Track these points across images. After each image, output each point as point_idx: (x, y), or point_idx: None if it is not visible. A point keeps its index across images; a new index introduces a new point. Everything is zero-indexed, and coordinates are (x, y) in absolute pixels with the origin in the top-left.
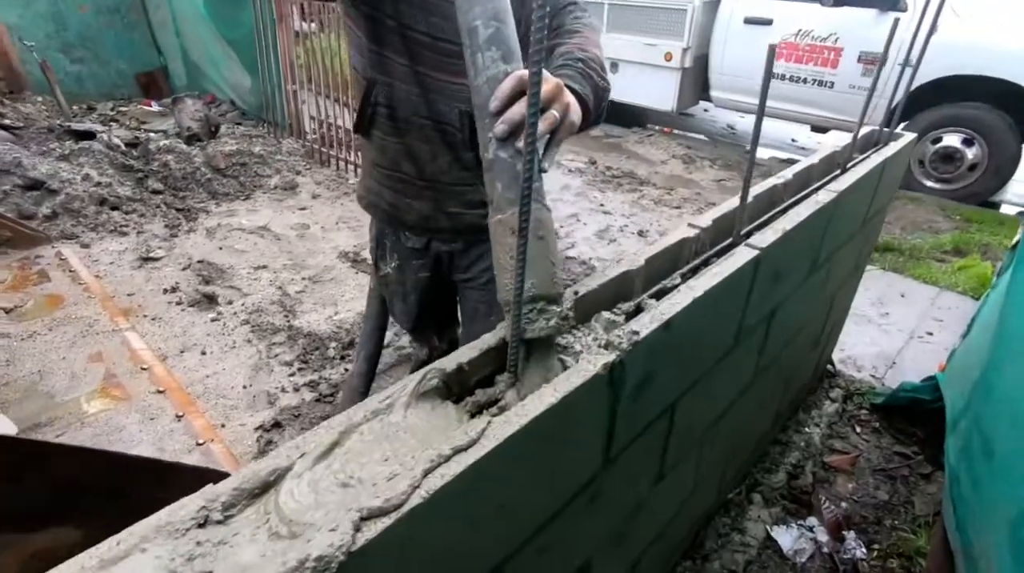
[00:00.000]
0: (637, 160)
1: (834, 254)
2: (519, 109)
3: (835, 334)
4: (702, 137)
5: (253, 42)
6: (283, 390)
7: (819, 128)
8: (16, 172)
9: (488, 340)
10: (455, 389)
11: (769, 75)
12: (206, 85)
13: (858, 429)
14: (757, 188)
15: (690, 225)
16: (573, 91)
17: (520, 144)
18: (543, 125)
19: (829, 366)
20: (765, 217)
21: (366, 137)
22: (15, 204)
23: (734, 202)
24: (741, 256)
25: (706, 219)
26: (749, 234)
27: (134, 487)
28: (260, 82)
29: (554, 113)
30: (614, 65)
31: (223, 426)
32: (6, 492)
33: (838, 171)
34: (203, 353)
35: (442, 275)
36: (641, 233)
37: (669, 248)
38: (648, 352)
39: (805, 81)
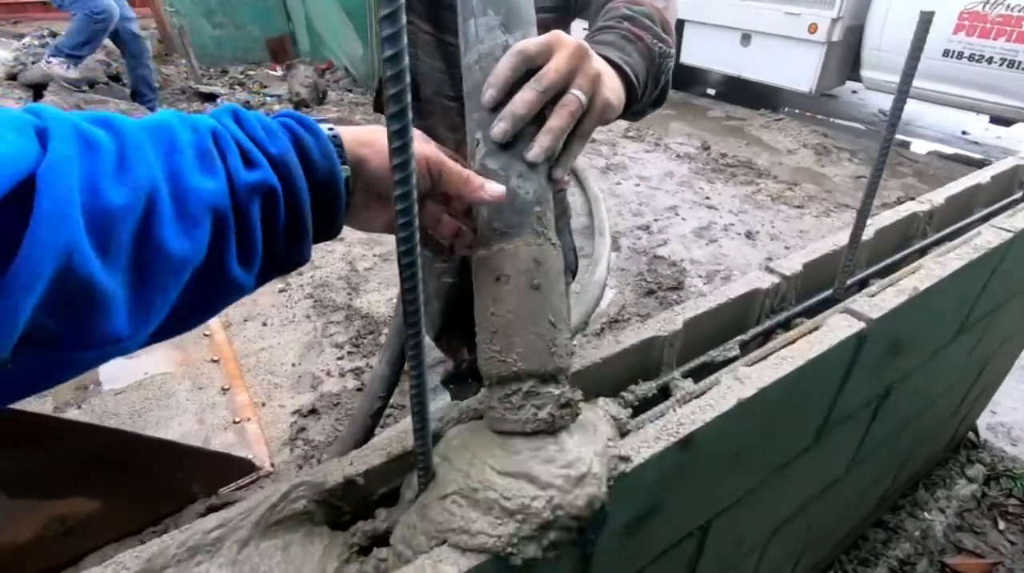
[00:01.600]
0: (759, 147)
1: (996, 310)
2: (525, 98)
3: (985, 397)
4: (845, 123)
5: (367, 11)
6: (328, 374)
7: (1001, 119)
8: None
9: (402, 438)
10: (348, 507)
11: (919, 49)
12: (325, 52)
13: (1002, 524)
14: (885, 217)
15: (768, 269)
16: (609, 61)
17: (528, 153)
18: (558, 118)
19: (971, 434)
20: (891, 260)
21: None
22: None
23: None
24: (836, 329)
25: (794, 263)
26: (860, 286)
27: (154, 465)
28: (370, 51)
29: (577, 95)
30: (745, 37)
31: (263, 405)
32: (31, 462)
33: (1019, 195)
34: (264, 324)
35: (469, 282)
36: (749, 235)
37: (727, 304)
38: (651, 481)
39: (990, 61)
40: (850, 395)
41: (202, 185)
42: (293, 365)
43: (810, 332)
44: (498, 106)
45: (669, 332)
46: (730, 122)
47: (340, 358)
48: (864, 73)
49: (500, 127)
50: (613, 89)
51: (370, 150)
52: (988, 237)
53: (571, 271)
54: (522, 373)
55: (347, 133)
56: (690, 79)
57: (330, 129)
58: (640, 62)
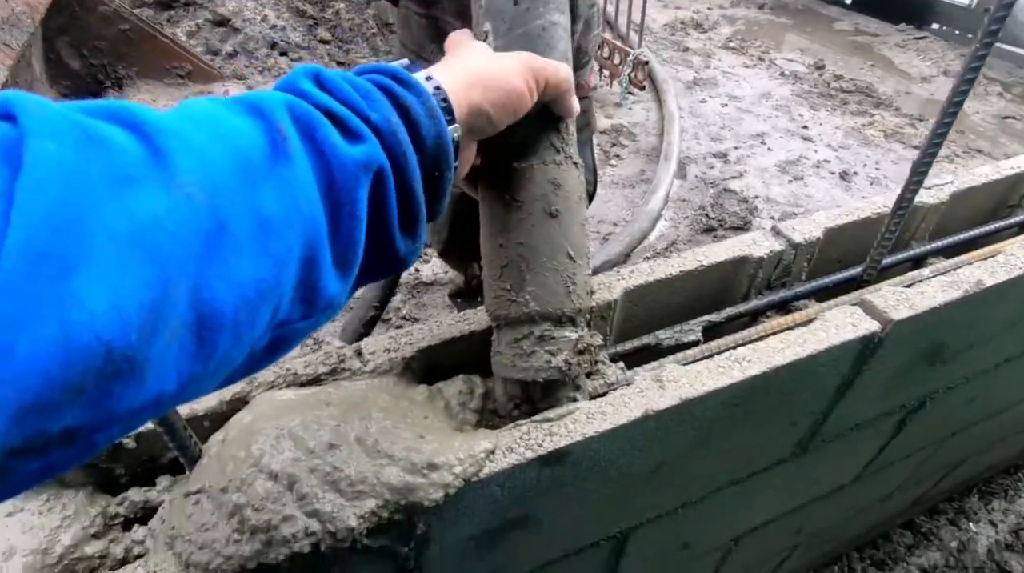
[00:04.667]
0: (886, 71)
1: None
2: None
3: None
4: (1009, 48)
5: None
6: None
7: None
8: (208, 6)
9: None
10: (121, 469)
11: None
12: None
13: None
14: (976, 175)
15: (775, 230)
16: None
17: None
18: None
19: None
20: (968, 235)
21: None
22: (204, 39)
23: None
24: (832, 327)
25: (812, 226)
26: (915, 265)
27: None
28: None
29: None
30: None
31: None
32: None
33: None
34: None
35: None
36: (844, 175)
37: (695, 272)
38: (508, 497)
39: None
40: (855, 407)
41: (281, 196)
42: None
43: (799, 324)
44: None
45: (600, 301)
46: (858, 37)
47: None
48: None
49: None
50: None
51: (480, 89)
52: None
53: (587, 191)
54: (535, 315)
55: (450, 74)
56: None
57: (427, 79)
58: None
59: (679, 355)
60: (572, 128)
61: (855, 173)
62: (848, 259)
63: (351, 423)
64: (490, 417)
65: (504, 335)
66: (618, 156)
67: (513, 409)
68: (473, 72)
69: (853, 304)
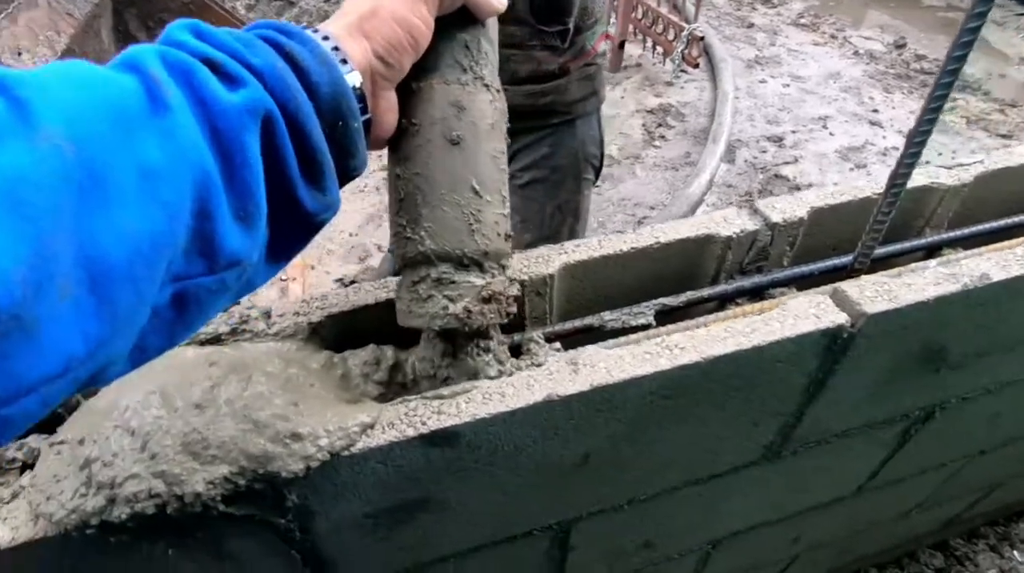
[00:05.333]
0: (978, 51)
1: None
2: None
3: None
4: None
5: None
6: (379, 248)
7: None
8: None
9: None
10: None
11: None
12: None
13: None
14: (1014, 155)
15: (752, 209)
16: None
17: None
18: None
19: None
20: (998, 224)
21: None
22: (262, 12)
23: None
24: (789, 317)
25: (796, 206)
26: (928, 254)
27: None
28: None
29: None
30: None
31: (312, 268)
32: None
33: None
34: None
35: None
36: None
37: (649, 249)
38: (396, 477)
39: None
40: (834, 411)
41: (164, 145)
42: (350, 234)
43: (757, 313)
44: None
45: (535, 275)
46: (949, 13)
47: None
48: None
49: None
50: None
51: (367, 31)
52: None
53: (592, 167)
54: (431, 254)
55: (335, 26)
56: None
57: (315, 31)
58: None
59: (604, 345)
60: (487, 46)
61: (926, 162)
62: (844, 246)
63: (228, 385)
64: (398, 390)
65: (405, 277)
66: (663, 137)
67: (425, 380)
68: (357, 17)
69: (824, 294)
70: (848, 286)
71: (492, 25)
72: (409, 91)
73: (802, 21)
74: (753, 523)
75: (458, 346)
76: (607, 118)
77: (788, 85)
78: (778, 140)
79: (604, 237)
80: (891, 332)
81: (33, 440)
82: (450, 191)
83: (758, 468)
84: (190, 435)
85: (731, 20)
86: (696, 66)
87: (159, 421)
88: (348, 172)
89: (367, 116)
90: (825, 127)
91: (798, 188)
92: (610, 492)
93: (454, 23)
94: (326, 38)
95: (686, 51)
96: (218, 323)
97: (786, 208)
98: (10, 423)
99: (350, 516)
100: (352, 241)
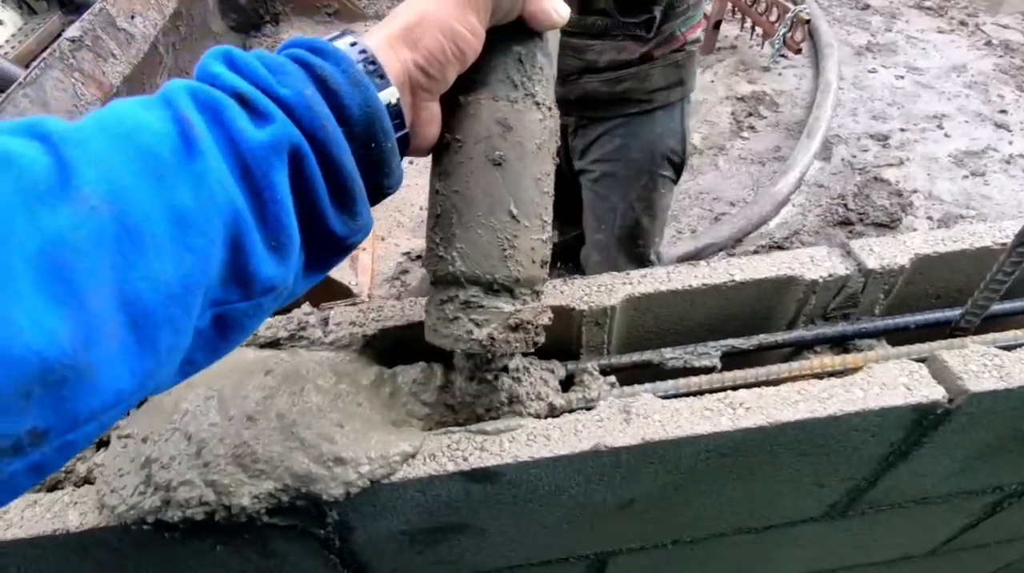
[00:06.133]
0: None
1: None
2: None
3: None
4: None
5: None
6: None
7: None
8: None
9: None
10: None
11: None
12: None
13: None
14: None
15: (844, 250)
16: None
17: None
18: None
19: None
20: None
21: None
22: None
23: None
24: (874, 385)
25: (899, 250)
26: (1018, 317)
27: None
28: None
29: None
30: None
31: (382, 239)
32: None
33: None
34: (411, 162)
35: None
36: None
37: (720, 287)
38: (435, 504)
39: None
40: (916, 480)
41: (196, 189)
42: (420, 208)
43: (850, 370)
44: None
45: (591, 306)
46: None
47: None
48: None
49: None
50: None
51: (410, 43)
52: None
53: (671, 163)
54: (460, 276)
55: (379, 35)
56: None
57: (352, 44)
58: None
59: (663, 384)
60: (543, 61)
61: None
62: (951, 297)
63: (280, 397)
64: (444, 412)
65: (435, 294)
66: (752, 128)
67: (471, 402)
68: (401, 26)
69: (919, 359)
70: (950, 356)
71: (551, 37)
72: (455, 105)
73: (927, 4)
74: (806, 572)
75: (482, 369)
76: (692, 104)
77: (902, 77)
78: (883, 139)
79: (674, 269)
80: (997, 412)
81: None
82: (487, 214)
83: (819, 524)
84: (241, 447)
85: (844, 1)
86: (798, 51)
87: (214, 429)
88: (382, 190)
89: (403, 131)
90: (940, 127)
91: (900, 194)
92: (654, 532)
93: (509, 34)
94: (363, 51)
95: (788, 34)
96: (278, 327)
97: (885, 253)
98: (73, 445)
99: (388, 532)
100: (422, 215)
